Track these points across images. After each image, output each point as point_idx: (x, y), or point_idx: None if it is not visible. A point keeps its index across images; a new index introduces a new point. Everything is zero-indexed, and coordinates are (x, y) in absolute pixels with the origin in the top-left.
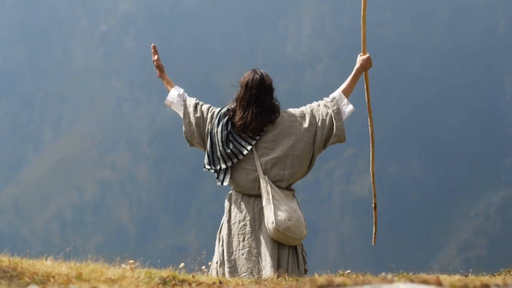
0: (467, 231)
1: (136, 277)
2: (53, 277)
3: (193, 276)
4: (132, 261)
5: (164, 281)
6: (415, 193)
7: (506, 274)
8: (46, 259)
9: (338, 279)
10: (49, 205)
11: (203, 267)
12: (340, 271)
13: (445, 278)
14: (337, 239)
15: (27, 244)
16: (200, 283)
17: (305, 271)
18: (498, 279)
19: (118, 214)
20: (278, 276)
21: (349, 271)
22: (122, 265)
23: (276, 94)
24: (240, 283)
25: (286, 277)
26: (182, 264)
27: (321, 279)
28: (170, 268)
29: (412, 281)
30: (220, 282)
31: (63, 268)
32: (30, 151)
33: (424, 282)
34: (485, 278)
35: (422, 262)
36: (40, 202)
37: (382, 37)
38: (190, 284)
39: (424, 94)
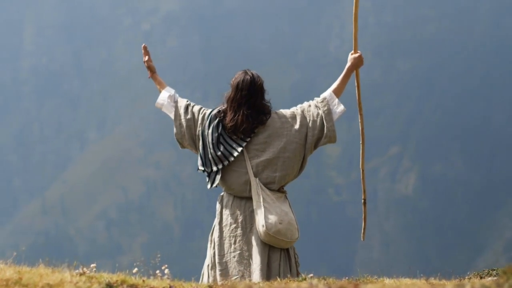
0: None
1: (75, 283)
2: None
3: (143, 281)
4: (94, 265)
5: (110, 286)
6: (459, 192)
7: (475, 276)
8: None
9: (256, 285)
10: (95, 204)
11: (157, 271)
12: (302, 275)
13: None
14: (382, 238)
15: (73, 243)
16: None
17: (298, 274)
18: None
19: (163, 213)
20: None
21: (311, 274)
22: (84, 269)
23: (269, 96)
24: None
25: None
26: (135, 269)
27: (241, 285)
28: (126, 272)
29: (329, 286)
30: (170, 287)
31: (7, 273)
32: (75, 151)
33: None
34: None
35: (467, 261)
36: (86, 201)
37: (425, 35)
38: None
39: (467, 91)
